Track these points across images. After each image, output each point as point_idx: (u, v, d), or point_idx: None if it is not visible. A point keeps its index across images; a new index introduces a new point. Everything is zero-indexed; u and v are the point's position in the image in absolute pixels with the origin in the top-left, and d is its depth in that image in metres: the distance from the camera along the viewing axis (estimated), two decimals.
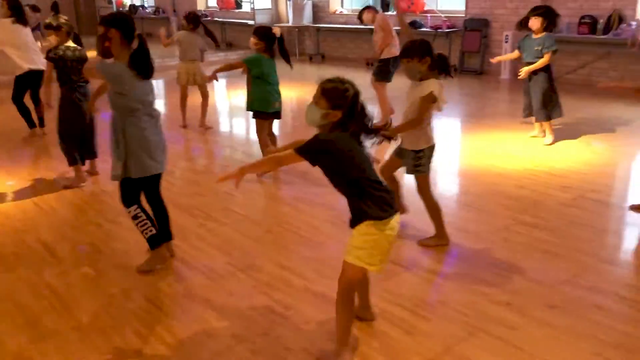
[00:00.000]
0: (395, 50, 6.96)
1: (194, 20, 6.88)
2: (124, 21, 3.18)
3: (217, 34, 15.97)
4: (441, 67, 3.53)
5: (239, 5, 15.85)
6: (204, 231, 3.98)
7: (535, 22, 5.63)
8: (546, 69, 5.73)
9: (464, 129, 7.18)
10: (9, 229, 4.14)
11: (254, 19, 13.71)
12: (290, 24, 13.44)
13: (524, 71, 5.75)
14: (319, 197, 4.48)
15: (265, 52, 5.01)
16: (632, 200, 4.27)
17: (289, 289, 3.20)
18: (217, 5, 16.45)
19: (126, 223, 3.91)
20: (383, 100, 7.00)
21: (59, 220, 4.29)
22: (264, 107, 5.11)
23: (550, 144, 5.80)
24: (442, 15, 10.82)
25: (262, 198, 4.71)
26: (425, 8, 11.25)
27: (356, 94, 2.39)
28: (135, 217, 3.33)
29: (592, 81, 8.96)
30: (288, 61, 5.18)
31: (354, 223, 2.47)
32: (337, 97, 2.35)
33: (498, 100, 8.78)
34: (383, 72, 6.91)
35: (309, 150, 2.37)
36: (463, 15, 10.50)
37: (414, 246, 3.68)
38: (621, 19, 8.42)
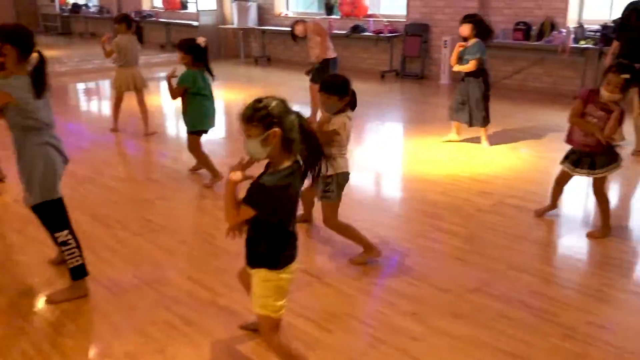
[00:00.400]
0: (331, 52, 6.96)
1: (126, 20, 6.60)
2: (20, 36, 2.96)
3: (162, 35, 15.80)
4: (352, 104, 3.46)
5: (184, 6, 15.60)
6: (115, 242, 3.83)
7: (464, 29, 5.71)
8: (476, 75, 5.78)
9: (398, 134, 7.22)
10: None
11: (198, 20, 13.49)
12: (235, 25, 13.29)
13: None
14: None
15: (194, 65, 4.84)
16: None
17: (194, 302, 3.11)
18: (162, 6, 16.15)
19: (34, 233, 3.74)
20: (317, 102, 6.98)
21: None
22: (206, 125, 4.95)
23: (488, 147, 5.93)
24: (384, 20, 10.88)
25: (182, 206, 4.58)
26: (369, 12, 11.30)
27: (281, 101, 2.21)
28: (64, 244, 3.06)
29: (527, 86, 9.18)
30: (210, 73, 4.99)
31: (252, 263, 2.34)
32: (263, 116, 2.14)
33: (437, 106, 8.83)
34: (321, 74, 6.87)
35: (261, 204, 2.19)
36: (404, 20, 10.58)
37: (329, 256, 3.64)
38: (553, 26, 8.64)
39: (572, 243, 3.82)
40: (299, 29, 7.02)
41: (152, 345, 2.72)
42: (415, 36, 10.34)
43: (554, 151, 5.82)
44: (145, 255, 3.66)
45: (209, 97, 4.94)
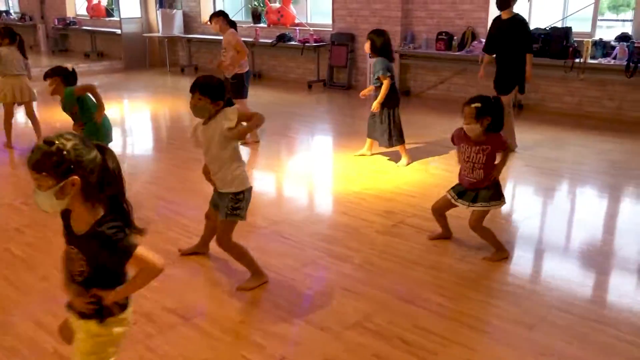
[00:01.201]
0: (246, 65, 6.63)
1: (10, 34, 6.21)
2: None
3: (87, 44, 15.13)
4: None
5: (109, 14, 15.00)
6: None
7: (366, 45, 5.55)
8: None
9: (314, 147, 6.96)
10: None
11: (120, 29, 12.94)
12: (160, 34, 12.82)
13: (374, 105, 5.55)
14: None
15: (67, 85, 4.61)
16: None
17: (34, 355, 2.73)
18: (87, 13, 15.48)
19: None
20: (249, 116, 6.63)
21: None
22: (103, 140, 4.53)
23: (406, 165, 5.65)
24: (311, 29, 10.66)
25: (53, 234, 4.14)
26: (296, 21, 11.06)
27: (80, 141, 1.81)
28: None
29: (452, 96, 9.11)
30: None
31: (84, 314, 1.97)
32: (55, 163, 1.75)
33: (361, 118, 8.59)
34: (239, 88, 6.55)
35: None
36: (330, 29, 10.39)
37: (205, 292, 3.32)
38: (474, 36, 8.60)
39: (467, 267, 3.62)
40: (215, 26, 6.60)
41: None
42: (341, 45, 10.15)
43: None
44: None
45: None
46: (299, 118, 8.04)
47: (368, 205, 4.65)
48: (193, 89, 3.12)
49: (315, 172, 5.73)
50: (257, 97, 9.69)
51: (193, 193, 4.76)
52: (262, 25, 11.50)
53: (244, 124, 3.23)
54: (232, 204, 3.21)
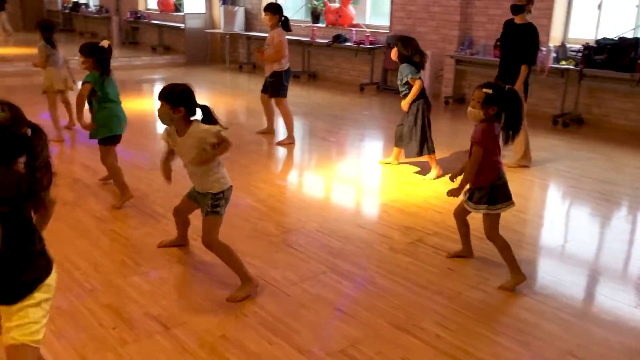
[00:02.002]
0: (286, 64, 6.51)
1: (47, 27, 6.38)
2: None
3: (154, 37, 15.53)
4: (206, 119, 3.20)
5: (177, 9, 15.32)
6: None
7: (393, 52, 5.35)
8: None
9: (349, 153, 6.73)
10: None
11: (184, 23, 13.18)
12: (221, 30, 12.95)
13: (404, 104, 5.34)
14: None
15: (96, 69, 4.44)
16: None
17: None
18: (157, 8, 15.90)
19: None
20: (287, 116, 6.58)
21: None
22: (113, 131, 4.53)
23: (435, 179, 5.33)
24: (367, 30, 10.42)
25: (64, 229, 4.18)
26: (354, 22, 10.85)
27: (8, 119, 1.91)
28: None
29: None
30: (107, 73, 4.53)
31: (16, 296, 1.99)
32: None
33: None
34: (277, 87, 6.47)
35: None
36: (387, 31, 10.12)
37: (190, 298, 3.20)
38: None
39: (479, 296, 3.32)
40: (265, 19, 6.47)
41: None
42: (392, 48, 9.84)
43: None
44: None
45: (117, 102, 4.57)
46: (343, 122, 7.84)
47: (388, 219, 4.41)
48: (158, 97, 3.12)
49: (341, 180, 5.52)
50: (307, 98, 9.62)
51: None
52: (320, 25, 11.38)
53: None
54: (212, 202, 3.20)
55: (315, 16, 11.58)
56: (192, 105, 3.14)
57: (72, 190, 4.87)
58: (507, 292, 3.35)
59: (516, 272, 3.39)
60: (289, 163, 6.15)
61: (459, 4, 8.82)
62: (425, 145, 5.31)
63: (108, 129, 4.51)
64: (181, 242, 3.81)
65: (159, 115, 3.13)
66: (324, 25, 11.30)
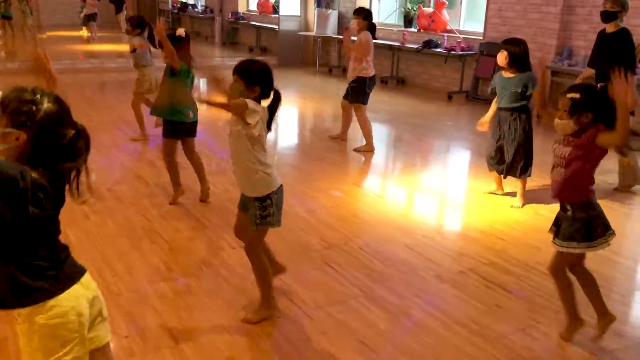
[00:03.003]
0: (371, 70, 6.28)
1: (140, 24, 6.38)
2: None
3: (252, 38, 15.83)
4: (273, 105, 2.87)
5: (275, 11, 15.53)
6: None
7: (501, 57, 4.61)
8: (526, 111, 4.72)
9: (418, 168, 6.36)
10: None
11: (278, 25, 13.31)
12: (314, 33, 12.93)
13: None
14: None
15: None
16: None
17: None
18: (257, 9, 16.22)
19: None
20: (365, 124, 6.36)
21: None
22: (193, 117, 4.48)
23: (520, 207, 4.76)
24: (460, 36, 9.94)
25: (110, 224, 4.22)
26: (447, 27, 10.40)
27: (53, 112, 1.74)
28: None
29: None
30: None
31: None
32: (17, 110, 1.69)
33: None
34: (359, 93, 6.28)
35: None
36: (481, 38, 9.59)
37: (211, 316, 3.08)
38: None
39: (524, 343, 2.92)
40: (353, 23, 6.21)
41: None
42: (490, 56, 9.27)
43: None
44: None
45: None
46: (423, 131, 7.48)
47: (442, 242, 4.07)
48: (233, 70, 2.80)
49: (401, 196, 5.21)
50: (390, 104, 9.33)
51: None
52: (412, 29, 11.02)
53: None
54: (261, 211, 2.83)
55: (408, 20, 11.24)
56: (269, 86, 2.80)
57: (132, 188, 4.95)
58: (561, 341, 2.93)
59: (574, 320, 2.91)
60: (352, 173, 5.92)
61: (559, 11, 8.15)
62: (530, 166, 4.76)
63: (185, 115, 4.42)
64: (277, 271, 3.26)
65: (230, 92, 2.72)
66: (415, 30, 10.94)
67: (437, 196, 5.20)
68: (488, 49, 9.35)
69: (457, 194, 5.27)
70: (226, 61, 12.94)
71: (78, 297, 1.82)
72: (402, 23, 11.45)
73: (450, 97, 9.73)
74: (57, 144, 1.77)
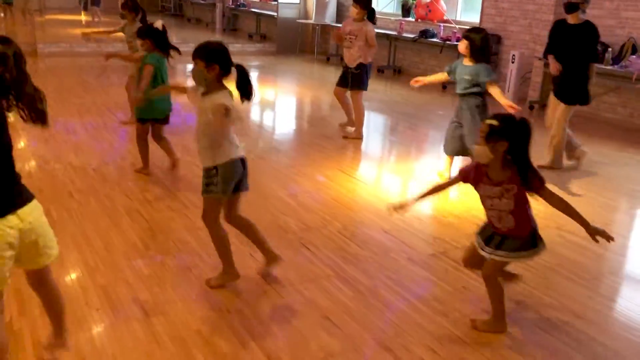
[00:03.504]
0: (371, 57, 6.34)
1: (134, 7, 6.42)
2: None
3: (252, 25, 15.84)
4: (240, 87, 3.00)
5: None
6: None
7: (462, 46, 4.75)
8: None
9: (405, 155, 6.42)
10: None
11: (277, 12, 13.32)
12: (312, 21, 12.95)
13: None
14: None
15: (156, 50, 4.64)
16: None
17: None
18: None
19: None
20: (360, 110, 6.45)
21: None
22: (165, 112, 4.80)
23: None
24: (456, 26, 9.95)
25: (96, 204, 4.28)
26: (445, 18, 10.41)
27: (16, 53, 2.02)
28: None
29: (599, 117, 7.91)
30: (170, 52, 4.76)
31: None
32: None
33: None
34: (360, 79, 6.33)
35: None
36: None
37: (184, 292, 3.16)
38: (635, 49, 7.32)
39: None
40: (354, 11, 6.23)
41: None
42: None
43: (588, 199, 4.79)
44: None
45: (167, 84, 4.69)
46: (414, 120, 7.53)
47: (419, 227, 4.14)
48: (192, 55, 2.94)
49: (383, 182, 5.28)
50: (384, 94, 9.39)
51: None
52: (409, 19, 11.04)
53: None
54: (205, 179, 3.03)
55: (406, 10, 11.26)
56: (227, 63, 2.92)
57: (118, 168, 5.03)
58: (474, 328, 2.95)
59: (499, 321, 2.92)
60: (339, 159, 5.97)
61: (554, 3, 8.16)
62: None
63: (160, 111, 4.72)
64: (271, 260, 3.35)
65: (192, 74, 2.95)
66: (413, 19, 10.95)
67: (419, 183, 5.26)
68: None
69: (439, 181, 5.32)
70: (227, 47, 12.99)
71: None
72: (400, 12, 11.46)
73: (444, 87, 9.76)
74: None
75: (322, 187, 4.92)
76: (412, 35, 10.48)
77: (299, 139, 6.76)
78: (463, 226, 4.19)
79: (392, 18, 11.42)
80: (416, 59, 10.91)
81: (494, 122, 2.63)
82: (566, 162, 5.67)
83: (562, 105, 5.44)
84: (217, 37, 15.59)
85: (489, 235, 2.91)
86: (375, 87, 9.89)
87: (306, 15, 13.58)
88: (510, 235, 2.81)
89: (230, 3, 16.73)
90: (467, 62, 4.76)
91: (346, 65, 6.34)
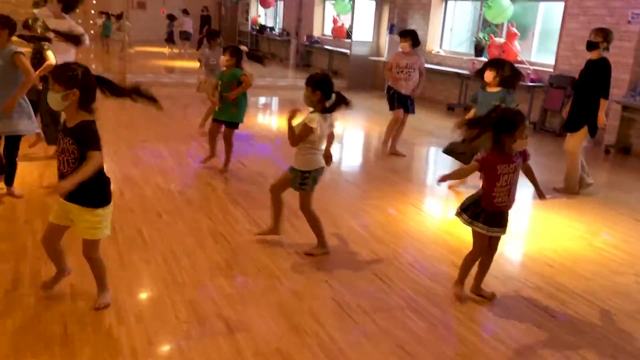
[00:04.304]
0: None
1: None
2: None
3: (325, 61, 16.30)
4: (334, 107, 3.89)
5: (349, 36, 15.96)
6: None
7: (488, 75, 5.25)
8: None
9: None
10: None
11: (349, 49, 13.68)
12: (385, 58, 13.21)
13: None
14: None
15: (238, 67, 5.71)
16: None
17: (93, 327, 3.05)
18: (331, 34, 16.71)
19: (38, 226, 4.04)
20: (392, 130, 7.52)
21: None
22: (234, 119, 5.88)
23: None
24: (530, 67, 9.94)
25: (183, 225, 4.56)
26: (518, 58, 10.41)
27: (85, 70, 2.90)
28: None
29: None
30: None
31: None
32: (67, 78, 2.83)
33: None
34: (414, 106, 7.47)
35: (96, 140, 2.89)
36: (551, 70, 9.56)
37: (264, 311, 3.34)
38: None
39: None
40: (404, 45, 7.14)
41: None
42: (559, 88, 9.27)
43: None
44: None
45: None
46: None
47: (492, 266, 4.16)
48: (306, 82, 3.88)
49: (454, 219, 5.31)
50: (455, 131, 9.42)
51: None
52: (482, 59, 11.10)
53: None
54: (300, 180, 3.92)
55: (479, 50, 11.34)
56: (328, 90, 3.81)
57: (200, 192, 5.34)
58: None
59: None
60: (408, 193, 6.07)
61: (634, 46, 8.06)
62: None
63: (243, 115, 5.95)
64: (275, 233, 4.25)
65: (304, 98, 3.87)
66: (486, 59, 11.00)
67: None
68: (558, 82, 9.32)
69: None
70: (298, 82, 13.43)
71: None
72: (472, 52, 11.55)
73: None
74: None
75: (392, 220, 5.04)
76: None
77: (369, 171, 6.93)
78: (535, 266, 4.19)
79: (465, 57, 11.52)
80: None
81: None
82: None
83: (573, 138, 5.96)
84: (289, 72, 16.15)
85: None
86: (446, 124, 9.98)
87: (378, 53, 13.88)
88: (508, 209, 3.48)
89: (305, 40, 17.31)
90: (492, 89, 5.28)
91: (404, 94, 7.26)
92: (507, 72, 5.19)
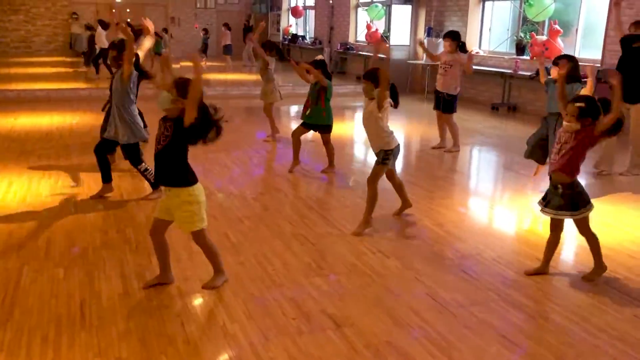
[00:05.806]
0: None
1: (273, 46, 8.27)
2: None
3: (360, 67, 16.44)
4: (392, 95, 4.56)
5: (384, 41, 16.06)
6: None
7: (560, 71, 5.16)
8: None
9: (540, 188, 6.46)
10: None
11: (386, 54, 13.77)
12: (423, 61, 13.29)
13: None
14: None
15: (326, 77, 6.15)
16: None
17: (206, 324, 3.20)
18: (365, 39, 16.84)
19: (130, 234, 4.25)
20: (454, 127, 7.64)
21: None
22: (331, 121, 6.31)
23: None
24: None
25: (265, 228, 4.71)
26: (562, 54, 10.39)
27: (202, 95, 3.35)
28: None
29: None
30: (329, 77, 6.28)
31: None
32: (184, 88, 3.27)
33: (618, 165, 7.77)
34: (451, 105, 7.50)
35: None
36: (598, 65, 9.52)
37: (366, 306, 3.46)
38: None
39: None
40: (447, 46, 7.41)
41: None
42: (606, 84, 9.21)
43: None
44: None
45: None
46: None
47: (575, 258, 4.23)
48: (363, 77, 4.60)
49: (525, 213, 5.37)
50: (502, 130, 9.45)
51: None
52: (524, 57, 11.11)
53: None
54: (384, 155, 4.58)
55: (520, 48, 11.34)
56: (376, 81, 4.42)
57: (274, 198, 5.50)
58: None
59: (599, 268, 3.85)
60: (474, 192, 6.16)
61: None
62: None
63: (330, 119, 6.30)
64: (405, 206, 5.03)
65: (363, 89, 4.57)
66: (528, 57, 11.01)
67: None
68: (605, 77, 9.26)
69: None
70: (337, 89, 13.57)
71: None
72: (513, 51, 11.56)
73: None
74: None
75: (465, 218, 5.12)
76: (528, 73, 10.53)
77: (425, 170, 7.00)
78: (618, 257, 4.23)
79: (506, 56, 11.53)
80: (532, 97, 10.91)
81: (582, 104, 3.55)
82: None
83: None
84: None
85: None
86: (492, 123, 10.05)
87: (415, 57, 13.96)
88: (558, 178, 3.74)
89: (339, 47, 17.48)
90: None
91: (439, 90, 7.44)
92: (572, 66, 5.37)
